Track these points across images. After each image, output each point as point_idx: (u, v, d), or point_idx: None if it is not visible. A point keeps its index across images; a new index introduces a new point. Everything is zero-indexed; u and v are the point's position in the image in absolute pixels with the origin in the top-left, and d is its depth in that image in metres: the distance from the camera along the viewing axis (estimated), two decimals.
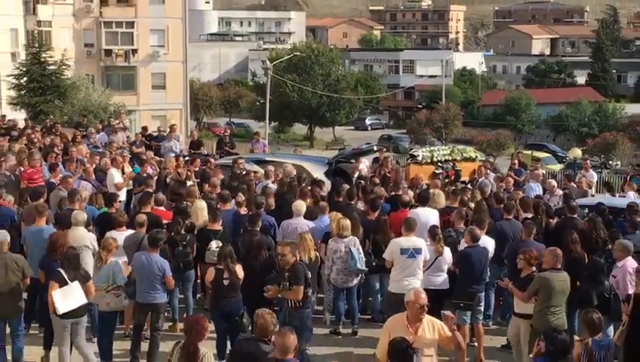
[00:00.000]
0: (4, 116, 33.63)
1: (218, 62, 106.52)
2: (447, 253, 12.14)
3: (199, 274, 13.27)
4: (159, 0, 58.30)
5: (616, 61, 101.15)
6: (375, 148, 23.28)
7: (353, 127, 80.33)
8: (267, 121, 61.21)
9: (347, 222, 12.60)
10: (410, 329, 8.39)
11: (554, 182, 18.60)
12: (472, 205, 14.67)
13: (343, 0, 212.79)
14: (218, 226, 12.93)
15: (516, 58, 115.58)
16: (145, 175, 17.35)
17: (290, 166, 17.89)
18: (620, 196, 18.56)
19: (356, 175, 18.64)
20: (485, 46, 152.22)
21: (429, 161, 21.00)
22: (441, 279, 12.03)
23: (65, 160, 18.69)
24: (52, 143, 21.72)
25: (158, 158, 20.96)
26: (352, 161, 19.94)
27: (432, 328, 8.49)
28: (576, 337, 9.68)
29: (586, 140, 61.35)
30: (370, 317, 13.39)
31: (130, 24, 58.05)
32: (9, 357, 10.82)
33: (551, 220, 14.19)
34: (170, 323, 12.40)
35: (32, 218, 12.55)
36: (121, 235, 11.94)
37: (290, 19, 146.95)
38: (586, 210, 14.85)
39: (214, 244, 12.20)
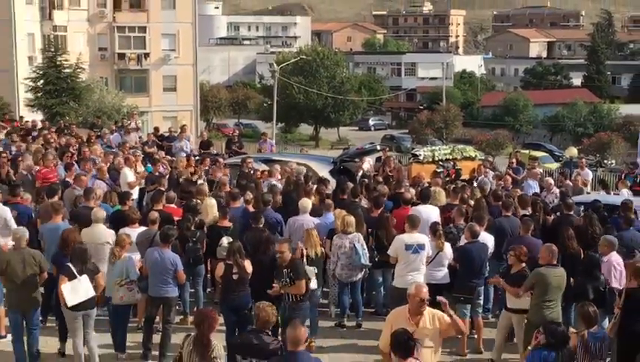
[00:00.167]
0: (21, 117, 33.73)
1: (227, 66, 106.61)
2: (448, 248, 12.15)
3: (209, 268, 13.31)
4: (170, 5, 58.38)
5: (610, 63, 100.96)
6: (378, 147, 23.29)
7: (357, 128, 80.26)
8: (274, 121, 61.25)
9: (351, 219, 12.60)
10: (411, 321, 8.38)
11: (551, 181, 18.57)
12: (472, 202, 14.68)
13: (347, 5, 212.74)
14: (228, 223, 12.94)
15: (514, 61, 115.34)
16: (157, 174, 17.39)
17: (298, 165, 17.93)
18: (614, 194, 18.53)
19: (360, 173, 18.63)
20: (484, 49, 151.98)
21: (430, 160, 21.04)
22: (442, 274, 12.03)
23: (80, 159, 18.75)
24: (67, 143, 21.77)
25: (169, 158, 21.00)
26: (356, 160, 19.95)
27: (432, 320, 8.49)
28: (572, 329, 9.68)
29: (581, 140, 61.26)
30: (373, 310, 13.39)
31: (143, 29, 58.14)
32: (25, 348, 10.84)
33: (548, 217, 14.18)
34: (181, 316, 12.43)
35: (48, 215, 12.58)
36: (134, 232, 11.96)
37: (296, 23, 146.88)
38: (582, 207, 14.83)
39: (225, 241, 12.21)
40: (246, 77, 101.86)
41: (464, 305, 11.68)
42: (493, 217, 13.57)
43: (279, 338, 8.88)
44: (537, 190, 17.82)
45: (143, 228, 12.22)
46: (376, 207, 13.88)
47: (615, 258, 11.32)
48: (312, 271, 11.76)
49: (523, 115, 76.12)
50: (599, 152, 53.25)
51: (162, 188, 14.86)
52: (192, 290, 12.93)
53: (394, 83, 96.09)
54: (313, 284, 11.71)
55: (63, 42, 52.08)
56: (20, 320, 10.71)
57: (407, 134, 70.85)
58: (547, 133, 74.08)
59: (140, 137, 26.83)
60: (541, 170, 21.56)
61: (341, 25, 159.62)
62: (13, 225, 12.46)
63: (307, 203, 13.63)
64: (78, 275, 10.33)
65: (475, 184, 17.88)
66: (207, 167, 18.96)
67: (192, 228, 12.72)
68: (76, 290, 10.29)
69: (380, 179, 17.63)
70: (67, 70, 42.39)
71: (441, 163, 21.06)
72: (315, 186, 15.75)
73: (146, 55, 58.32)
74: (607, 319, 10.52)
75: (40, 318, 11.12)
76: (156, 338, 11.17)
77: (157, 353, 11.00)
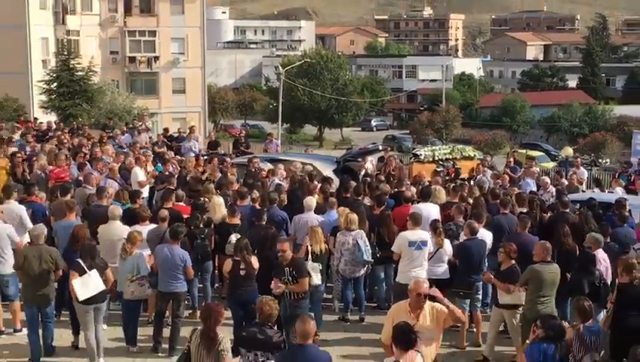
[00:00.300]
0: (35, 119, 33.78)
1: (234, 68, 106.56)
2: (448, 245, 12.17)
3: (217, 265, 13.32)
4: (179, 10, 58.45)
5: (605, 66, 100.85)
6: (380, 147, 23.24)
7: (360, 128, 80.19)
8: (280, 122, 61.26)
9: (354, 217, 12.61)
10: (411, 314, 8.42)
11: (547, 179, 18.55)
12: (471, 200, 14.67)
13: (350, 10, 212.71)
14: (237, 220, 12.94)
15: (512, 63, 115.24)
16: (167, 173, 17.40)
17: (303, 165, 17.94)
18: (608, 192, 18.52)
19: (362, 172, 18.63)
20: (483, 52, 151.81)
21: (430, 159, 21.01)
22: (442, 269, 12.05)
23: (92, 159, 18.77)
24: (80, 144, 21.79)
25: (178, 158, 21.01)
26: (359, 159, 19.93)
27: (432, 313, 8.52)
28: (567, 324, 9.68)
29: (577, 140, 61.18)
30: (376, 304, 13.40)
31: (153, 33, 58.21)
32: (41, 342, 10.88)
33: (544, 214, 14.17)
34: (190, 311, 12.44)
35: (62, 213, 12.61)
36: (144, 229, 11.97)
37: (300, 27, 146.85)
38: (578, 205, 14.81)
39: (234, 238, 12.20)
40: (252, 79, 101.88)
41: (463, 300, 11.70)
42: (492, 215, 13.56)
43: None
44: (535, 188, 17.81)
45: (153, 226, 12.23)
46: (379, 205, 13.89)
47: (601, 254, 11.37)
48: (316, 266, 11.79)
49: (520, 116, 76.03)
50: (594, 152, 53.16)
51: (171, 187, 14.88)
52: (201, 286, 12.94)
53: (395, 85, 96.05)
54: (317, 280, 11.73)
55: (75, 46, 52.14)
56: (35, 313, 10.76)
57: (408, 135, 70.78)
58: (544, 134, 73.98)
59: (150, 138, 26.83)
60: (538, 169, 21.50)
61: (344, 29, 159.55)
62: (29, 223, 12.51)
63: (312, 201, 13.65)
64: (88, 270, 10.37)
65: (473, 183, 17.88)
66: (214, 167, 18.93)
67: (201, 226, 12.74)
68: (87, 285, 10.33)
69: (382, 178, 17.61)
70: (80, 73, 42.41)
71: (441, 162, 21.03)
72: (320, 185, 15.76)
73: (156, 58, 58.40)
74: (602, 313, 10.52)
75: (54, 312, 11.15)
76: (166, 331, 11.20)
77: (167, 346, 11.04)
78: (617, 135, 57.10)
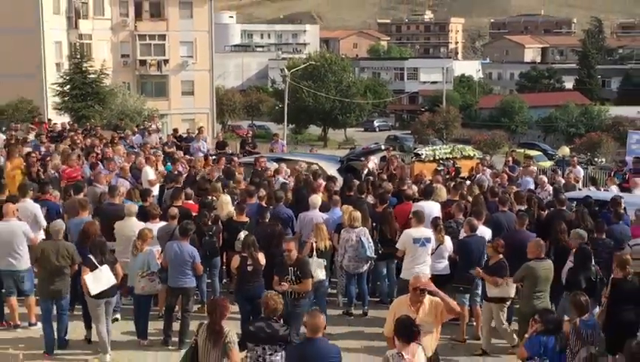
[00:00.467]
0: (49, 120, 33.83)
1: (241, 71, 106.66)
2: (448, 241, 12.17)
3: (224, 261, 13.33)
4: (188, 15, 58.52)
5: (600, 68, 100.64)
6: (383, 147, 23.26)
7: (363, 129, 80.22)
8: (285, 123, 61.30)
9: (358, 214, 12.61)
10: (412, 308, 8.47)
11: (545, 178, 18.52)
12: (471, 198, 14.66)
13: (354, 14, 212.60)
14: (245, 218, 12.95)
15: (510, 65, 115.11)
16: (176, 172, 17.41)
17: (308, 164, 17.96)
18: (604, 190, 18.48)
19: (365, 171, 18.62)
20: (482, 55, 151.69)
21: (431, 158, 21.01)
22: (443, 265, 12.05)
23: (104, 159, 18.79)
24: (92, 144, 21.81)
25: (187, 157, 21.02)
26: (362, 159, 19.93)
27: (431, 307, 8.58)
28: (565, 317, 9.68)
29: (573, 139, 61.03)
30: (378, 299, 13.40)
31: (162, 37, 58.30)
32: (55, 334, 10.92)
33: (542, 212, 14.15)
34: (199, 306, 12.44)
35: (75, 211, 12.65)
36: (155, 226, 11.99)
37: (305, 31, 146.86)
38: (574, 203, 14.79)
39: (242, 235, 12.20)
40: (259, 81, 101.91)
41: (463, 295, 11.71)
42: (491, 212, 13.54)
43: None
44: (533, 187, 17.80)
45: (163, 223, 12.25)
46: (381, 203, 13.88)
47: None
48: (321, 262, 11.80)
49: (518, 117, 75.95)
50: (590, 151, 53.04)
51: (179, 186, 14.87)
52: (209, 281, 12.95)
53: (397, 87, 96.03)
54: (322, 275, 11.74)
55: (88, 49, 52.22)
56: (50, 306, 10.81)
57: (410, 135, 70.73)
58: (541, 134, 73.87)
59: (160, 138, 26.86)
60: (536, 168, 21.49)
61: (348, 32, 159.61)
62: (43, 221, 12.55)
63: (317, 199, 13.65)
64: (99, 265, 10.41)
65: (473, 181, 17.86)
66: (222, 166, 18.90)
67: (209, 223, 12.75)
68: (99, 279, 10.38)
69: (385, 176, 17.61)
70: (92, 76, 42.50)
71: (441, 161, 21.03)
72: (324, 183, 15.76)
73: (166, 61, 58.49)
74: (597, 307, 10.51)
75: (69, 305, 11.18)
76: (176, 325, 11.22)
77: (177, 339, 11.05)
78: (612, 135, 56.99)
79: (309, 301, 11.21)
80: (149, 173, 17.39)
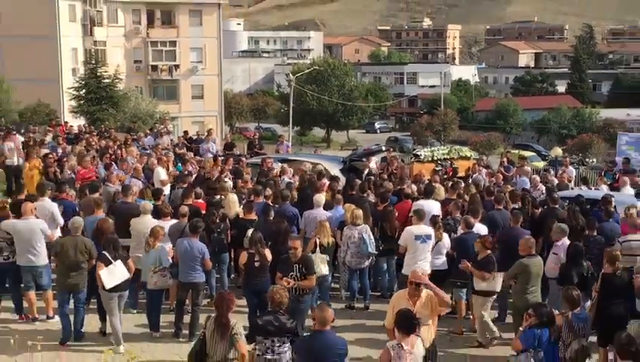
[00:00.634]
0: (66, 122, 33.90)
1: (248, 76, 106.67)
2: (446, 238, 12.19)
3: (233, 257, 13.34)
4: (198, 22, 58.60)
5: (591, 72, 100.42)
6: (383, 148, 23.27)
7: (364, 131, 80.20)
8: (290, 125, 61.30)
9: (360, 212, 12.61)
10: (410, 301, 8.51)
11: (538, 178, 18.50)
12: (467, 197, 14.65)
13: (355, 21, 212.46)
14: (253, 216, 12.95)
15: (505, 70, 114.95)
16: (186, 172, 17.43)
17: (313, 165, 17.98)
18: (595, 189, 18.45)
19: (366, 171, 18.62)
20: (478, 60, 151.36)
21: (430, 159, 20.99)
22: (441, 261, 12.06)
23: (118, 159, 18.83)
24: (106, 146, 21.87)
25: (197, 158, 21.05)
26: (364, 159, 19.93)
27: (428, 300, 8.62)
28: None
29: (565, 141, 60.95)
30: (379, 293, 13.39)
31: (173, 43, 58.38)
32: (72, 327, 10.95)
33: (535, 210, 14.11)
34: (209, 300, 12.44)
35: (90, 209, 12.68)
36: (166, 224, 12.00)
37: (309, 38, 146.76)
38: (567, 201, 14.77)
39: (251, 232, 12.20)
40: (265, 86, 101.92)
41: (461, 289, 11.71)
42: (487, 210, 13.54)
43: None
44: (529, 186, 17.77)
45: (174, 221, 12.27)
46: (382, 202, 13.88)
47: (567, 242, 11.38)
48: (324, 258, 11.81)
49: (513, 119, 75.88)
50: (581, 152, 52.94)
51: (185, 186, 14.90)
52: (218, 276, 12.96)
53: (397, 90, 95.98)
54: (325, 270, 11.74)
55: (102, 55, 52.34)
56: (67, 299, 10.87)
57: (409, 136, 70.73)
58: (535, 135, 73.81)
59: (171, 140, 26.90)
60: (530, 169, 21.46)
61: (350, 39, 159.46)
62: (60, 218, 12.58)
63: (321, 198, 13.65)
64: (113, 261, 10.45)
65: (470, 181, 17.85)
66: (230, 167, 18.90)
67: (217, 221, 12.76)
68: (113, 274, 10.41)
69: (385, 176, 17.62)
70: (106, 80, 42.60)
71: (439, 162, 21.02)
72: (328, 183, 15.76)
73: (176, 66, 58.57)
74: (589, 301, 10.50)
75: (85, 299, 11.21)
76: (186, 318, 11.22)
77: (187, 332, 11.07)
78: (603, 136, 56.90)
79: (314, 296, 11.23)
80: (161, 173, 17.42)
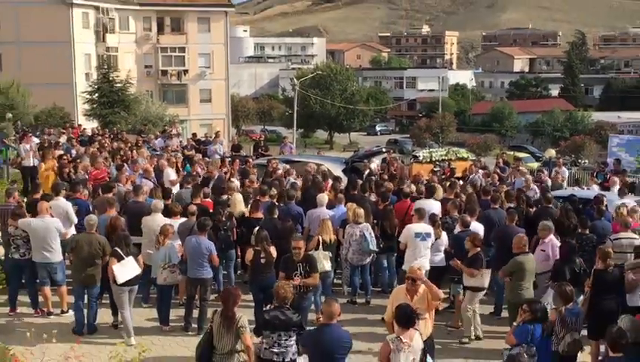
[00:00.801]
0: (79, 125, 33.97)
1: (254, 80, 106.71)
2: (444, 236, 12.17)
3: (239, 254, 13.35)
4: (206, 29, 58.69)
5: (584, 77, 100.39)
6: (384, 150, 23.22)
7: (366, 133, 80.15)
8: (295, 127, 61.30)
9: (361, 211, 12.60)
10: (408, 296, 8.55)
11: (530, 178, 18.44)
12: (465, 197, 14.63)
13: (357, 28, 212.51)
14: (260, 215, 12.94)
15: (500, 75, 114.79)
16: (194, 173, 17.43)
17: (317, 166, 17.97)
18: (587, 189, 18.42)
19: (367, 172, 18.60)
20: (475, 65, 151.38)
21: (428, 160, 20.99)
22: (439, 258, 12.05)
23: (129, 161, 18.82)
24: (118, 147, 21.88)
25: (206, 159, 21.04)
26: (365, 160, 19.91)
27: (425, 295, 8.64)
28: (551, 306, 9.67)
29: (559, 142, 60.83)
30: (380, 289, 13.38)
31: (182, 49, 58.47)
32: (85, 320, 10.98)
33: (530, 209, 14.11)
34: (216, 295, 12.43)
35: (103, 208, 12.69)
36: (175, 222, 12.00)
37: (313, 44, 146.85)
38: (560, 201, 14.75)
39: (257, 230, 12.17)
40: (270, 90, 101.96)
41: (458, 285, 11.69)
42: (483, 209, 13.52)
43: None
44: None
45: (183, 219, 12.28)
46: (383, 201, 13.88)
47: (554, 239, 11.38)
48: (327, 254, 11.80)
49: (508, 122, 75.76)
50: (574, 153, 52.84)
51: (190, 186, 14.93)
52: (225, 272, 12.96)
53: (397, 94, 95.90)
54: (328, 266, 11.74)
55: (114, 61, 52.48)
56: (81, 292, 10.91)
57: (409, 138, 70.66)
58: (529, 137, 73.68)
59: (180, 142, 26.92)
60: (525, 169, 21.41)
61: (351, 45, 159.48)
62: (74, 217, 12.59)
63: (324, 197, 13.65)
64: (125, 256, 10.49)
65: (467, 181, 17.83)
66: (237, 167, 18.90)
67: (223, 219, 12.76)
68: (125, 269, 10.46)
69: (386, 176, 17.59)
70: (118, 85, 42.69)
71: (437, 163, 21.02)
72: (331, 183, 15.75)
73: (185, 71, 58.66)
74: (582, 296, 10.49)
75: (98, 293, 11.24)
76: (195, 313, 11.23)
77: (196, 325, 11.07)
78: (595, 138, 56.81)
79: (318, 291, 11.22)
80: (171, 173, 17.43)
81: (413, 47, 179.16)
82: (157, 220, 12.02)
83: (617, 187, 16.41)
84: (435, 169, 20.12)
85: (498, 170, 20.08)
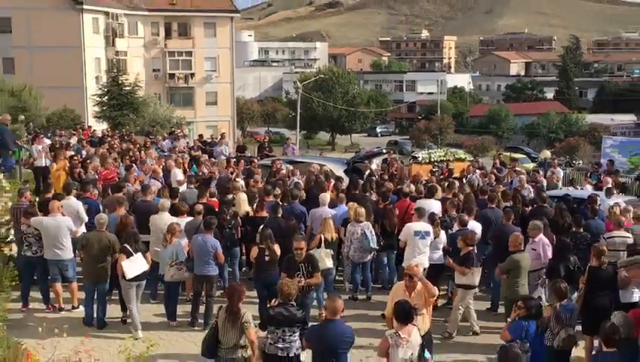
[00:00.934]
0: (89, 127, 33.99)
1: (258, 83, 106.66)
2: (443, 234, 12.16)
3: (244, 252, 13.34)
4: (212, 34, 58.69)
5: (578, 80, 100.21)
6: (384, 151, 23.20)
7: (366, 134, 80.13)
8: (298, 129, 61.31)
9: (362, 210, 12.60)
10: (406, 293, 8.56)
11: (524, 178, 18.42)
12: (462, 196, 14.62)
13: (358, 33, 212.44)
14: (265, 214, 12.94)
15: (497, 78, 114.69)
16: (200, 174, 17.43)
17: (320, 166, 17.97)
18: (581, 188, 18.41)
19: (368, 172, 18.59)
20: (472, 68, 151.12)
21: (427, 161, 21.02)
22: (438, 255, 12.05)
23: (137, 161, 18.84)
24: (127, 148, 21.89)
25: (212, 160, 21.04)
26: (366, 161, 19.90)
27: (422, 291, 8.66)
28: (546, 302, 9.66)
29: (554, 144, 60.80)
30: (380, 286, 13.38)
31: (189, 53, 58.48)
32: (95, 314, 11.00)
33: (526, 208, 14.10)
34: (222, 291, 12.44)
35: (113, 207, 12.70)
36: (182, 221, 12.01)
37: (315, 48, 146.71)
38: (555, 200, 14.73)
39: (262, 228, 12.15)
40: (274, 93, 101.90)
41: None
42: (480, 208, 13.51)
43: None
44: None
45: (190, 218, 12.28)
46: (383, 200, 13.88)
47: (544, 238, 11.36)
48: (328, 252, 11.80)
49: (505, 124, 75.71)
50: (569, 154, 52.80)
51: (192, 186, 14.91)
52: (230, 270, 12.96)
53: (397, 97, 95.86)
54: (330, 263, 11.74)
55: (123, 65, 52.50)
56: (92, 288, 10.97)
57: (409, 140, 70.64)
58: (525, 139, 73.58)
59: (187, 143, 26.93)
60: (523, 171, 21.41)
61: (353, 49, 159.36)
62: (84, 216, 12.60)
63: (326, 197, 13.65)
64: (133, 253, 10.52)
65: (464, 181, 17.82)
66: (242, 168, 18.86)
67: (228, 218, 12.76)
68: (134, 265, 10.51)
69: (386, 177, 17.60)
70: (127, 88, 42.73)
71: (436, 163, 21.04)
72: (333, 183, 15.75)
73: (192, 75, 58.68)
74: (576, 293, 10.48)
75: (107, 289, 11.25)
76: (201, 309, 11.24)
77: (202, 321, 11.09)
78: (589, 140, 56.75)
79: (321, 288, 11.22)
80: (178, 174, 17.43)
81: (413, 51, 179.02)
82: (164, 219, 12.04)
83: (607, 186, 16.40)
84: (434, 169, 20.12)
85: (495, 171, 20.07)
